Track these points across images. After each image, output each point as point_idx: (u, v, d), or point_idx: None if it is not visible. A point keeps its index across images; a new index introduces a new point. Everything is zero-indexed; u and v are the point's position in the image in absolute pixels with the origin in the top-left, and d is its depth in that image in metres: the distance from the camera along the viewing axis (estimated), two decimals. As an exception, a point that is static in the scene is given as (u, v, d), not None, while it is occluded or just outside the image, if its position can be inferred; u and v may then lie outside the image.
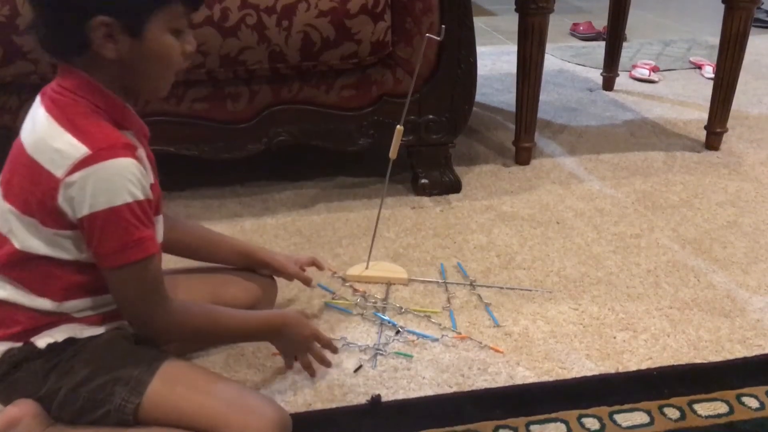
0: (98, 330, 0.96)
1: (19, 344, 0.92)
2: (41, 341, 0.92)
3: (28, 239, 0.90)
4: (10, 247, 0.91)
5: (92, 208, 0.86)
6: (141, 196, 0.88)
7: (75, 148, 0.86)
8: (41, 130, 0.89)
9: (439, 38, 1.31)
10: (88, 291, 0.94)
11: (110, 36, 0.86)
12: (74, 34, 0.85)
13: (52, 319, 0.93)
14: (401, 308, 1.30)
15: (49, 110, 0.89)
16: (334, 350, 1.15)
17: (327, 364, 1.13)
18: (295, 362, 1.13)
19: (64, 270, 0.92)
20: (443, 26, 1.30)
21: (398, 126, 1.33)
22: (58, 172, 0.86)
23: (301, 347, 1.10)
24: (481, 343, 1.22)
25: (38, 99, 0.93)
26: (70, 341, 0.94)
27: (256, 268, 1.23)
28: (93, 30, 0.85)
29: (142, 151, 0.93)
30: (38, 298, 0.92)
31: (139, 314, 0.95)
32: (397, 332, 1.24)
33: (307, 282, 1.27)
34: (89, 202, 0.86)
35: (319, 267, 1.30)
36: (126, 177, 0.87)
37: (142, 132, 0.97)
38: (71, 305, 0.93)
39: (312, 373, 1.13)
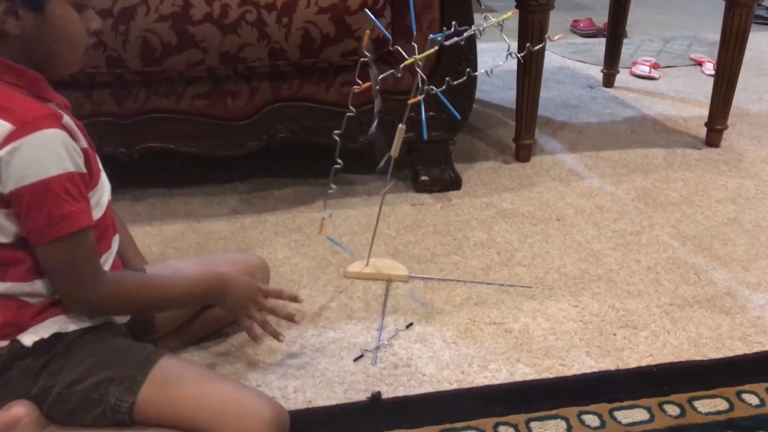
0: (84, 323, 0.94)
1: (5, 343, 0.91)
2: (27, 339, 0.91)
3: None
4: None
5: (19, 182, 0.85)
6: (71, 168, 0.87)
7: None
8: None
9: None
10: None
11: (12, 12, 0.85)
12: None
13: (33, 309, 0.91)
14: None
15: None
16: (293, 298, 1.11)
17: (278, 314, 1.08)
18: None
19: (17, 251, 0.89)
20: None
21: (400, 125, 1.33)
22: None
23: (247, 302, 1.06)
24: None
25: None
26: (57, 337, 0.92)
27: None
28: None
29: (68, 118, 0.90)
30: (3, 283, 0.89)
31: (69, 290, 0.92)
32: (410, 325, 1.25)
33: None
34: (16, 176, 0.84)
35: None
36: (53, 149, 0.85)
37: (63, 104, 0.95)
38: (42, 285, 0.91)
39: (271, 331, 1.08)
